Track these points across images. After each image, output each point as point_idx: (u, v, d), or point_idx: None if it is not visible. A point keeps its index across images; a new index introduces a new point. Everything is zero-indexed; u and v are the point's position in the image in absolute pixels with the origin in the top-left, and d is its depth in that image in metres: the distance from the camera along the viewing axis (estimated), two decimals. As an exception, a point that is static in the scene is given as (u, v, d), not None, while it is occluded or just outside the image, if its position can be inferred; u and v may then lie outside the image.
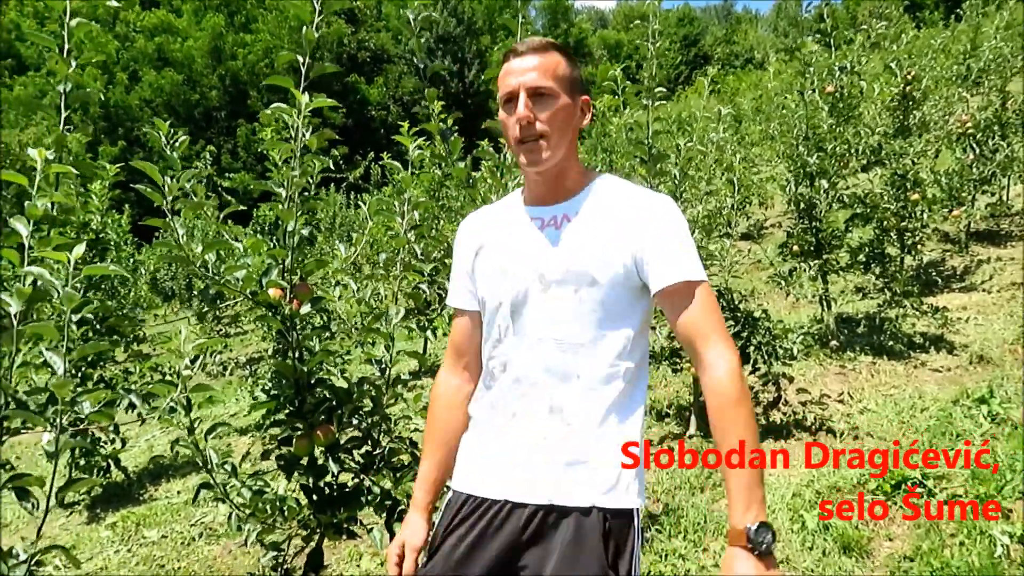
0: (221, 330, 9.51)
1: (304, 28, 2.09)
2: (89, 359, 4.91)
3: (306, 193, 2.47)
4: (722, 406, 1.39)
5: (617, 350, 1.47)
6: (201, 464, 1.93)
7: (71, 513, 5.02)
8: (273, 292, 2.23)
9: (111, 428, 5.16)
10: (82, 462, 4.88)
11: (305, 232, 2.11)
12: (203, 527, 4.26)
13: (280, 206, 2.12)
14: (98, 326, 4.91)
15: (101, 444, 4.97)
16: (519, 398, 1.49)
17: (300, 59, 2.15)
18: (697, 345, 1.43)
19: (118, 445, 5.11)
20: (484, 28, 37.67)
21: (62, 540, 4.53)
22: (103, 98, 28.41)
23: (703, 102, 4.86)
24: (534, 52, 1.49)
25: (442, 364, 1.72)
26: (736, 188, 5.38)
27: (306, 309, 2.21)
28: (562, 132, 1.48)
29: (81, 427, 4.64)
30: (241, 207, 2.47)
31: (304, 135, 2.02)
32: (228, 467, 2.02)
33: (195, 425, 1.91)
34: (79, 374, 4.92)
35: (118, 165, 4.52)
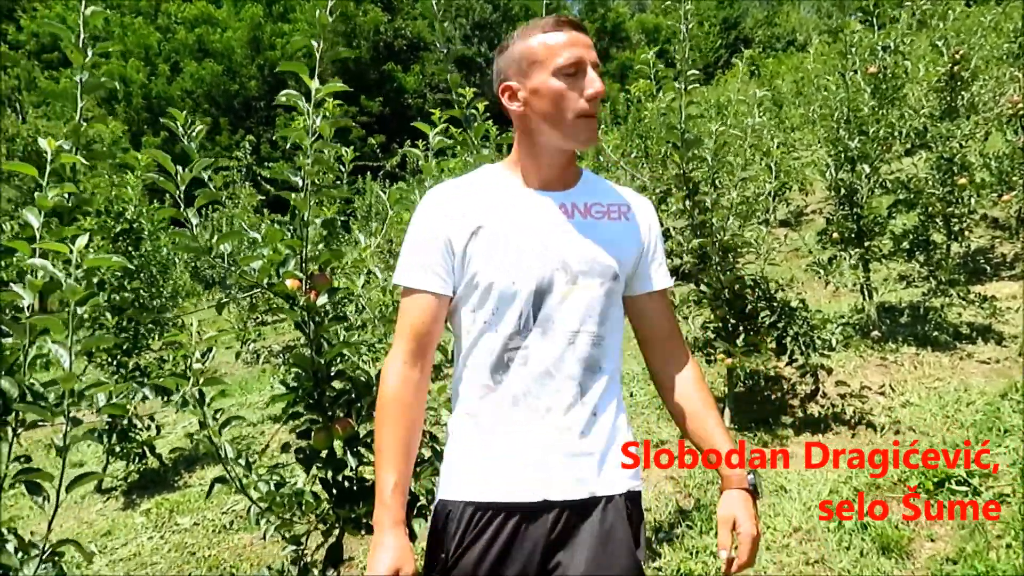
0: (257, 318, 9.59)
1: (318, 12, 2.04)
2: (125, 347, 4.97)
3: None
4: (701, 391, 1.56)
5: (619, 343, 1.54)
6: (217, 458, 1.90)
7: (108, 499, 5.10)
8: (290, 283, 2.20)
9: (145, 415, 5.27)
10: (117, 449, 4.95)
11: (318, 221, 2.06)
12: (234, 515, 4.29)
13: (296, 195, 2.08)
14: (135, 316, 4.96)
15: (137, 431, 5.04)
16: (553, 393, 1.43)
17: (315, 44, 2.10)
18: (675, 342, 1.60)
19: (153, 432, 5.17)
20: (520, 14, 37.41)
21: (99, 526, 4.61)
22: (146, 89, 28.87)
23: (738, 85, 4.70)
24: (583, 29, 1.47)
25: (396, 355, 1.46)
26: (774, 174, 5.22)
27: (322, 300, 2.17)
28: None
29: (113, 420, 4.72)
30: (260, 196, 2.44)
31: (315, 122, 1.97)
32: (244, 461, 1.99)
33: (212, 418, 1.88)
34: (114, 362, 4.99)
35: (145, 153, 4.53)
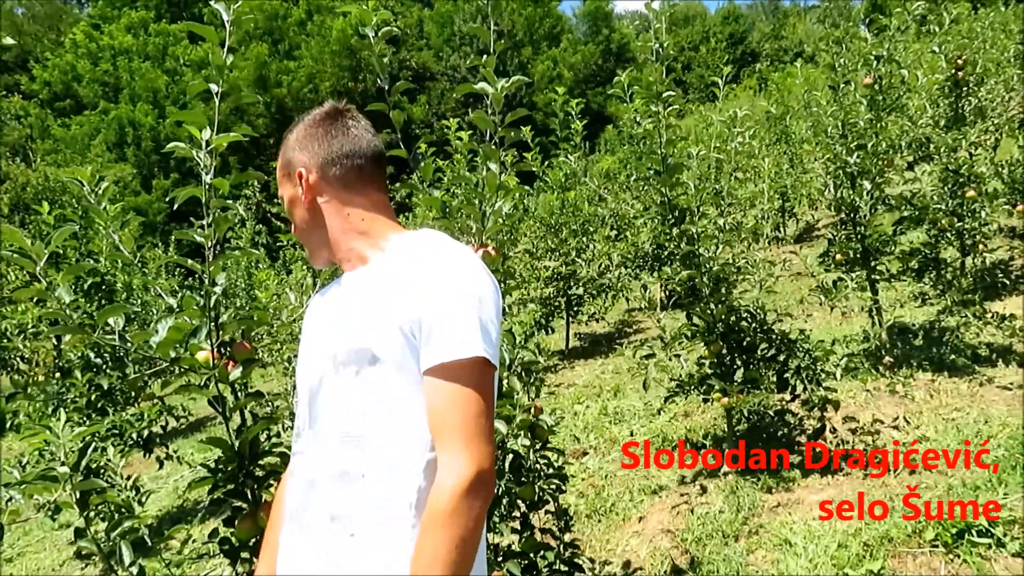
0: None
1: (211, 53, 1.83)
2: (99, 405, 4.78)
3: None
4: (423, 523, 1.12)
5: (412, 442, 1.19)
6: (109, 568, 1.66)
7: (87, 565, 4.87)
8: (201, 355, 1.96)
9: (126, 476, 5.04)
10: (92, 513, 4.72)
11: (218, 289, 1.83)
12: (208, 584, 4.04)
13: (192, 261, 1.85)
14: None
15: (117, 490, 4.82)
16: (311, 504, 1.25)
17: (214, 88, 1.89)
18: (436, 445, 1.17)
19: (131, 492, 4.95)
20: (525, 40, 37.48)
21: (70, 597, 4.38)
22: (155, 131, 29.09)
23: (719, 107, 4.45)
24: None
25: None
26: (766, 195, 4.95)
27: (236, 374, 1.93)
28: (301, 222, 1.44)
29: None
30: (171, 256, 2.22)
31: (207, 179, 1.74)
32: (136, 569, 1.74)
33: (92, 524, 1.64)
34: (87, 421, 4.79)
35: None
